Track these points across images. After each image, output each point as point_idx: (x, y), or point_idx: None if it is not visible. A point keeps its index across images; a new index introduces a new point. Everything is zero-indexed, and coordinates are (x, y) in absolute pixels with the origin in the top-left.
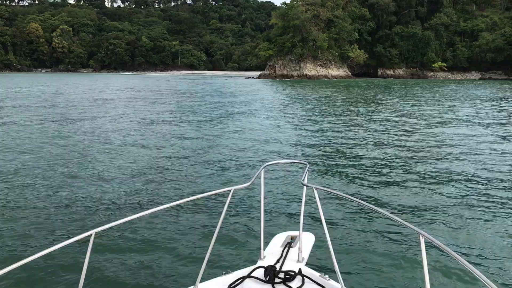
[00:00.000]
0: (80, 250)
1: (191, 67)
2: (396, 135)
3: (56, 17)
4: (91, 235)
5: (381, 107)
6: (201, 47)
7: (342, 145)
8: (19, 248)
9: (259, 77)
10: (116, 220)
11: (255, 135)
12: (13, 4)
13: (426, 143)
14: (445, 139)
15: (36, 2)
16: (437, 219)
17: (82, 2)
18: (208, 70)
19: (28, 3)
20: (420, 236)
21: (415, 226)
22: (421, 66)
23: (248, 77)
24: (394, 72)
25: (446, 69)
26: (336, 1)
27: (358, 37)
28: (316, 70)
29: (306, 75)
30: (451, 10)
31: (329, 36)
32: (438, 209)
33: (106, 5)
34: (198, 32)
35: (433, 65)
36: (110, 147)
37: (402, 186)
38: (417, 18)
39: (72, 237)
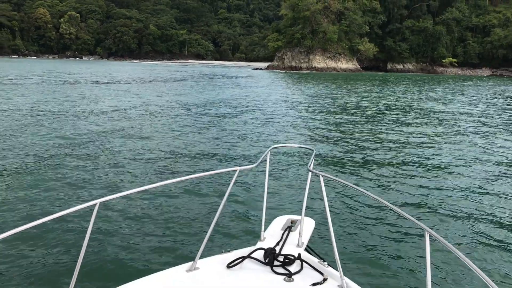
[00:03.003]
0: (84, 218)
1: (198, 56)
2: (408, 127)
3: (64, 3)
4: (95, 204)
5: (393, 99)
6: (209, 37)
7: (351, 134)
8: (25, 212)
9: (267, 68)
10: (121, 192)
11: (264, 121)
12: None
13: (439, 136)
14: (460, 134)
15: None
16: (446, 216)
17: None
18: (215, 60)
19: None
20: (426, 233)
21: (421, 222)
22: (431, 61)
23: (256, 68)
24: (403, 66)
25: (456, 64)
26: None
27: (368, 30)
28: (325, 63)
29: (315, 67)
30: (464, 5)
31: (339, 29)
32: (447, 205)
33: None
34: (206, 21)
35: (444, 60)
36: (123, 124)
37: (411, 178)
38: (429, 13)
39: (77, 205)
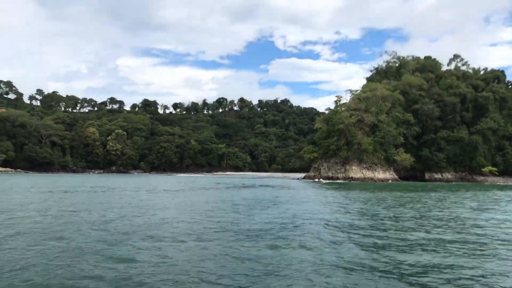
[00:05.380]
0: None
1: (236, 168)
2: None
3: (112, 122)
4: None
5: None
6: (246, 150)
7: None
8: None
9: (304, 178)
10: None
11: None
12: (75, 111)
13: None
14: None
15: (95, 109)
16: None
17: (137, 109)
18: (252, 171)
19: (88, 110)
20: None
21: None
22: (470, 170)
23: (293, 178)
24: (442, 176)
25: (497, 173)
26: (380, 107)
27: (403, 141)
28: (362, 173)
29: (351, 177)
30: (498, 115)
31: (374, 140)
32: None
33: (159, 111)
34: (243, 135)
35: (483, 169)
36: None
37: None
38: (463, 123)
39: None
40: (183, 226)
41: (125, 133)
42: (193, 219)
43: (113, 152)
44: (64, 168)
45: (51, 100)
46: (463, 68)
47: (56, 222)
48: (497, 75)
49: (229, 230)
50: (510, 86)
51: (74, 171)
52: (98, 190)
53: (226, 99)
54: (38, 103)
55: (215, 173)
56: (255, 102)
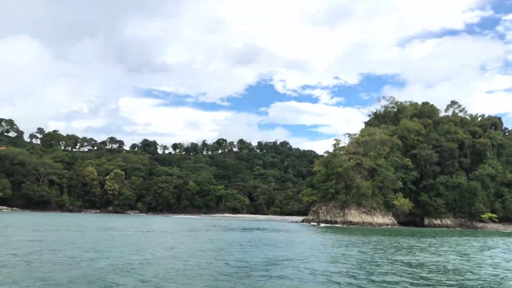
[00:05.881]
0: None
1: (234, 210)
2: None
3: (111, 162)
4: None
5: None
6: (245, 191)
7: None
8: None
9: (302, 221)
10: None
11: None
12: (74, 150)
13: None
14: None
15: (95, 148)
16: None
17: (136, 148)
18: (251, 213)
19: (88, 149)
20: None
21: None
22: (470, 216)
23: (291, 222)
24: (441, 221)
25: (497, 220)
26: (378, 151)
27: (402, 185)
28: (361, 217)
29: (350, 221)
30: (496, 161)
31: (373, 184)
32: None
33: (158, 151)
34: (242, 177)
35: (482, 216)
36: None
37: None
38: (461, 169)
39: None
40: (172, 267)
41: (123, 172)
42: (182, 262)
43: (111, 192)
44: (61, 207)
45: (51, 139)
46: (461, 114)
47: (44, 263)
48: (494, 122)
49: (206, 273)
50: (507, 133)
51: (70, 211)
52: (95, 230)
53: (225, 140)
54: (38, 141)
55: (212, 215)
56: (254, 143)
